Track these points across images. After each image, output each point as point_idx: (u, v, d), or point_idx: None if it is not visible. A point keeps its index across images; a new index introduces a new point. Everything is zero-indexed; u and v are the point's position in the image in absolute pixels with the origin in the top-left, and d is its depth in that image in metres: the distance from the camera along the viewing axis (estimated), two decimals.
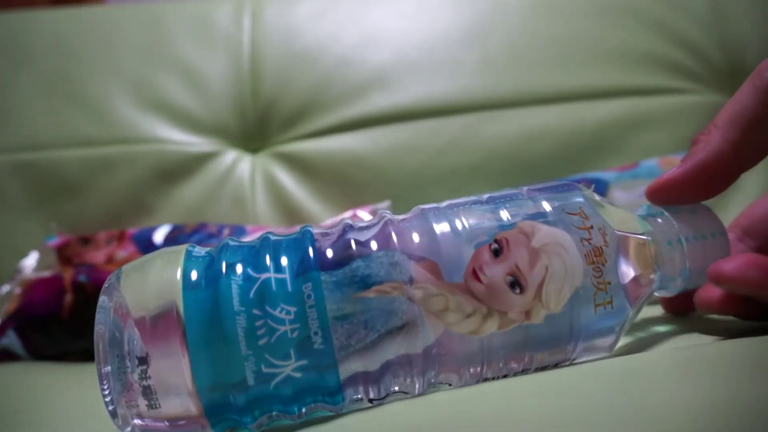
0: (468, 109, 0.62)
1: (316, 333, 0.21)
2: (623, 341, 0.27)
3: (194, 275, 0.22)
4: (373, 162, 0.61)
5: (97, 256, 0.54)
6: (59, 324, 0.50)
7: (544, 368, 0.24)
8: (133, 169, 0.61)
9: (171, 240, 0.55)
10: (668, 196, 0.26)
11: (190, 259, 0.22)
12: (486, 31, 0.64)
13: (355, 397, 0.22)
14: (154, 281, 0.22)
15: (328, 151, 0.62)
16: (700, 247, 0.25)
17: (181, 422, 0.21)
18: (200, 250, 0.24)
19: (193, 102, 0.64)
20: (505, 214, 0.23)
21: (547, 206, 0.24)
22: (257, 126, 0.64)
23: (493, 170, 0.59)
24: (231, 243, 0.23)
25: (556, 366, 0.24)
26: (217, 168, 0.62)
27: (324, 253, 0.22)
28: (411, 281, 0.22)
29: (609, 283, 0.23)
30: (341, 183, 0.61)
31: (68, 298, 0.51)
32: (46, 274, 0.53)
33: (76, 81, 0.65)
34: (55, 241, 0.56)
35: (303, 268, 0.22)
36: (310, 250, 0.22)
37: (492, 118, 0.61)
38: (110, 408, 0.21)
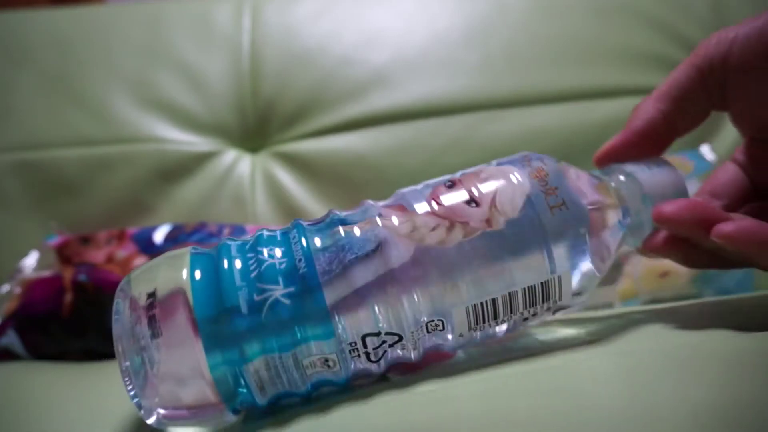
0: (468, 109, 0.62)
1: (299, 260, 0.23)
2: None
3: (199, 264, 0.24)
4: (373, 162, 0.61)
5: (97, 255, 0.54)
6: (59, 323, 0.50)
7: (533, 296, 0.25)
8: (133, 169, 0.61)
9: (171, 239, 0.55)
10: (611, 161, 0.30)
11: (194, 256, 0.25)
12: (486, 31, 0.64)
13: (349, 341, 0.23)
14: (162, 272, 0.24)
15: (328, 150, 0.62)
16: (656, 174, 0.28)
17: (200, 408, 0.23)
18: (202, 250, 0.25)
19: (193, 101, 0.64)
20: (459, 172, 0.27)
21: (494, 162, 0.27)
22: (257, 126, 0.64)
23: None
24: (228, 242, 0.25)
25: (545, 290, 0.25)
26: (217, 168, 0.62)
27: (307, 221, 0.26)
28: (380, 215, 0.25)
29: (556, 188, 0.25)
30: (341, 183, 0.61)
31: (68, 297, 0.51)
32: (46, 273, 0.53)
33: (76, 80, 0.65)
34: (55, 240, 0.56)
35: (290, 227, 0.25)
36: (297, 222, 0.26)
37: (492, 118, 0.61)
38: (135, 401, 0.23)
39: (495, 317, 0.25)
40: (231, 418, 0.24)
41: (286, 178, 0.62)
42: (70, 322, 0.50)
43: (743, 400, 0.17)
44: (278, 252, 0.24)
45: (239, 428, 0.25)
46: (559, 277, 0.25)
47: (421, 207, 0.25)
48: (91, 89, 0.64)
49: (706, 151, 0.55)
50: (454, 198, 0.25)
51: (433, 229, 0.24)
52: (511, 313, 0.25)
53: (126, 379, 0.23)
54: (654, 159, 0.29)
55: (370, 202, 0.27)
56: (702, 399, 0.17)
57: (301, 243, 0.24)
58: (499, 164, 0.27)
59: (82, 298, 0.51)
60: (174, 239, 0.55)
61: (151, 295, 0.23)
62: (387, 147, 0.61)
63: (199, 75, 0.65)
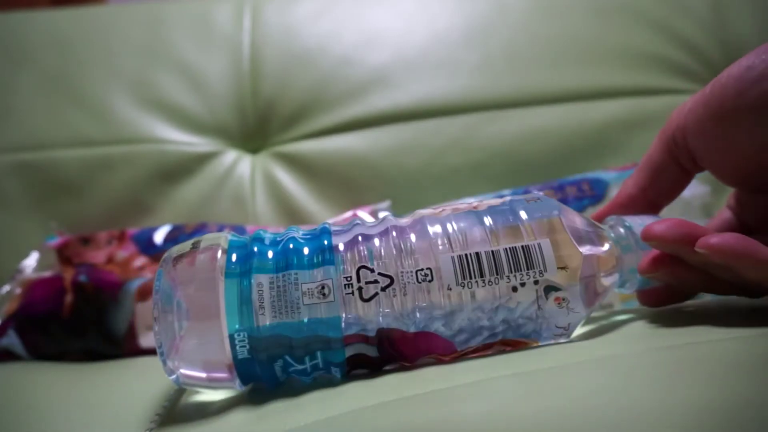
0: (468, 109, 0.62)
1: (318, 230, 0.28)
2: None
3: (237, 243, 0.28)
4: (373, 162, 0.61)
5: (97, 256, 0.54)
6: (59, 324, 0.50)
7: (516, 258, 0.26)
8: (133, 169, 0.61)
9: (171, 240, 0.55)
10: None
11: (231, 241, 0.28)
12: (486, 31, 0.64)
13: (345, 273, 0.26)
14: (203, 240, 0.27)
15: (328, 151, 0.62)
16: (646, 220, 0.29)
17: (215, 373, 0.26)
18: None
19: (193, 102, 0.64)
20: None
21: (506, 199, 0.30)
22: (257, 126, 0.64)
23: (493, 170, 0.59)
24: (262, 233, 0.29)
25: (526, 255, 0.26)
26: (217, 168, 0.62)
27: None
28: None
29: (538, 199, 0.29)
30: (341, 183, 0.61)
31: (68, 297, 0.51)
32: (46, 274, 0.53)
33: (76, 81, 0.65)
34: (55, 241, 0.56)
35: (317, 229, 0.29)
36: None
37: (492, 118, 0.61)
38: (162, 358, 0.26)
39: (481, 274, 0.26)
40: (240, 386, 0.27)
41: (286, 178, 0.62)
42: (70, 322, 0.50)
43: (740, 401, 0.17)
44: (303, 231, 0.29)
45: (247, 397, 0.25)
46: (539, 245, 0.27)
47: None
48: (91, 89, 0.64)
49: None
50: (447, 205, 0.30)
51: (429, 211, 0.29)
52: (497, 274, 0.26)
53: (158, 338, 0.26)
54: (649, 215, 0.31)
55: (390, 217, 0.30)
56: (700, 400, 0.17)
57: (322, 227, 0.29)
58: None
59: (82, 299, 0.51)
60: (174, 240, 0.55)
61: (196, 243, 0.27)
62: (387, 147, 0.61)
63: (199, 75, 0.65)
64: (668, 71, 0.61)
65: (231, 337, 0.25)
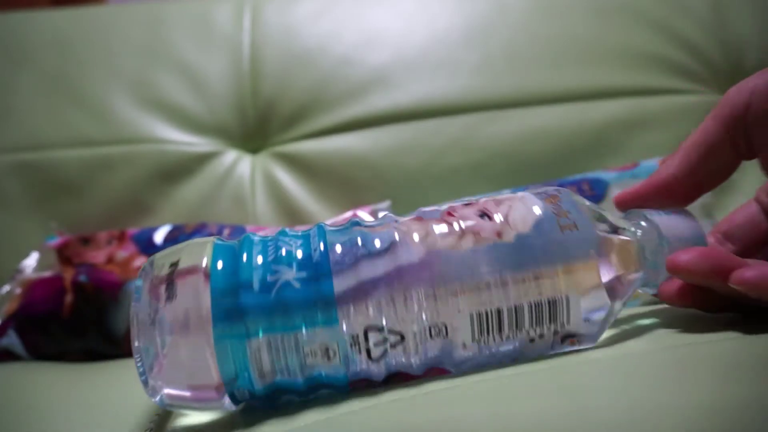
0: (468, 109, 0.62)
1: (315, 249, 0.25)
2: (610, 333, 0.27)
3: (222, 248, 0.26)
4: (373, 162, 0.61)
5: (97, 256, 0.54)
6: (59, 324, 0.50)
7: (539, 313, 0.25)
8: (133, 169, 0.61)
9: (171, 240, 0.55)
10: (630, 206, 0.30)
11: (218, 244, 0.26)
12: (486, 31, 0.64)
13: (351, 332, 0.23)
14: (186, 252, 0.25)
15: (328, 151, 0.62)
16: (673, 219, 0.27)
17: (201, 392, 0.23)
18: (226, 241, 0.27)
19: (193, 102, 0.64)
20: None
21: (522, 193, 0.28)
22: (257, 126, 0.64)
23: (493, 170, 0.59)
24: (252, 235, 0.27)
25: (552, 310, 0.25)
26: (217, 168, 0.62)
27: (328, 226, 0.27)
28: (397, 222, 0.26)
29: (568, 212, 0.26)
30: (341, 183, 0.61)
31: (68, 297, 0.51)
32: (46, 274, 0.53)
33: (76, 81, 0.65)
34: (55, 241, 0.56)
35: (312, 231, 0.26)
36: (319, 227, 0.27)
37: (492, 118, 0.61)
38: (142, 378, 0.24)
39: (500, 330, 0.24)
40: (230, 406, 0.24)
41: (286, 178, 0.62)
42: (70, 322, 0.50)
43: (742, 401, 0.17)
44: (297, 242, 0.25)
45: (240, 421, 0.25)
46: (567, 298, 0.25)
47: (437, 219, 0.26)
48: (91, 89, 0.64)
49: None
50: (467, 211, 0.26)
51: (445, 236, 0.25)
52: (517, 329, 0.25)
53: (137, 356, 0.23)
54: (674, 208, 0.29)
55: (391, 215, 0.28)
56: (701, 400, 0.17)
57: (318, 236, 0.25)
58: (513, 192, 0.28)
59: (82, 299, 0.51)
60: (174, 240, 0.55)
61: (174, 264, 0.24)
62: (387, 147, 0.61)
63: (199, 75, 0.65)
64: (668, 71, 0.61)
65: (227, 385, 0.24)
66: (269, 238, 0.26)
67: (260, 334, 0.23)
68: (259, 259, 0.24)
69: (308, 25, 0.66)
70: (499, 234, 0.25)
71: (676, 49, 0.62)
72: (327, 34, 0.66)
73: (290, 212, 0.61)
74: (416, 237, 0.25)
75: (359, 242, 0.25)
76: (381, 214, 0.31)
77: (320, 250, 0.25)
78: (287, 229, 0.27)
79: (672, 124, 0.59)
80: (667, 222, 0.27)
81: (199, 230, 0.55)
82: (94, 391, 0.35)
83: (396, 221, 0.26)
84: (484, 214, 0.26)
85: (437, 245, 0.25)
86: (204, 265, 0.24)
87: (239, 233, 0.55)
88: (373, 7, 0.67)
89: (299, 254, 0.24)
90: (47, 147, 0.62)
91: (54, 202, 0.61)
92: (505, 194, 0.28)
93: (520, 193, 0.27)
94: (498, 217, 0.25)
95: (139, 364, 0.24)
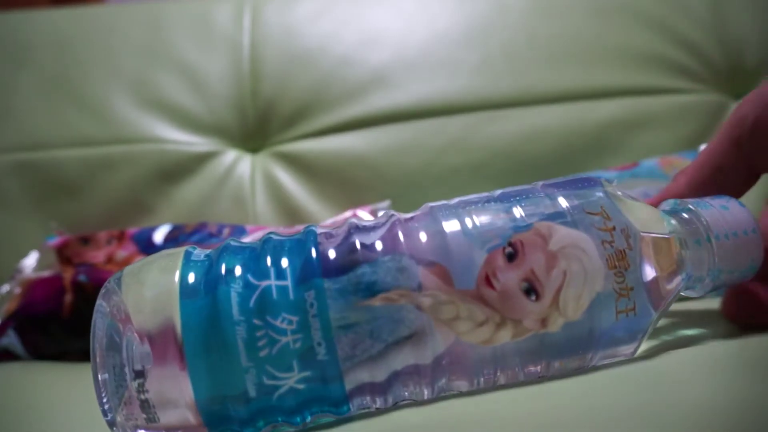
0: (468, 109, 0.62)
1: (319, 344, 0.20)
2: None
3: (192, 279, 0.21)
4: (373, 162, 0.61)
5: (97, 255, 0.54)
6: (59, 324, 0.50)
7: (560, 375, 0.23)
8: (133, 169, 0.61)
9: (171, 240, 0.55)
10: None
11: (188, 264, 0.22)
12: (486, 31, 0.64)
13: (361, 405, 0.22)
14: (151, 287, 0.21)
15: (328, 151, 0.62)
16: (731, 245, 0.23)
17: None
18: (200, 253, 0.23)
19: (193, 102, 0.64)
20: (519, 213, 0.22)
21: (565, 204, 0.22)
22: (257, 126, 0.64)
23: (493, 170, 0.59)
24: (232, 244, 0.23)
25: (573, 373, 0.23)
26: (217, 168, 0.62)
27: (327, 257, 0.21)
28: (419, 288, 0.21)
29: (632, 288, 0.21)
30: (341, 183, 0.61)
31: (68, 297, 0.51)
32: (46, 273, 0.53)
33: (76, 81, 0.65)
34: (55, 240, 0.56)
35: (305, 274, 0.21)
36: (313, 253, 0.21)
37: (492, 118, 0.61)
38: (108, 417, 0.21)
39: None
40: None
41: (286, 178, 0.62)
42: (70, 322, 0.50)
43: (746, 402, 0.17)
44: (292, 322, 0.20)
45: None
46: (592, 360, 0.23)
47: (470, 275, 0.21)
48: (91, 89, 0.64)
49: None
50: (513, 280, 0.21)
51: (481, 324, 0.21)
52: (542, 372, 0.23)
53: (101, 392, 0.20)
54: (719, 196, 0.25)
55: (398, 220, 0.23)
56: (706, 400, 0.17)
57: (320, 318, 0.20)
58: (572, 210, 0.22)
59: (82, 299, 0.51)
60: (174, 239, 0.55)
61: (140, 374, 0.20)
62: (387, 147, 0.61)
63: (199, 75, 0.65)
64: (668, 71, 0.61)
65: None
66: (253, 301, 0.20)
67: (263, 426, 0.21)
68: (248, 355, 0.20)
69: (308, 25, 0.66)
70: (543, 322, 0.21)
71: (676, 48, 0.62)
72: (327, 34, 0.66)
73: (290, 212, 0.61)
74: (445, 315, 0.21)
75: (373, 331, 0.20)
76: (380, 213, 0.27)
77: (326, 344, 0.20)
78: (273, 283, 0.21)
79: (672, 123, 0.59)
80: (716, 215, 0.24)
81: (198, 230, 0.55)
82: (93, 391, 0.35)
83: (419, 284, 0.21)
84: (532, 289, 0.21)
85: (468, 337, 0.21)
86: (177, 338, 0.20)
87: (239, 233, 0.55)
88: (373, 7, 0.67)
89: (298, 345, 0.20)
90: (47, 147, 0.62)
91: (54, 202, 0.61)
92: (561, 229, 0.22)
93: (576, 234, 0.22)
94: (548, 294, 0.21)
95: (104, 400, 0.21)
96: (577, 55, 0.63)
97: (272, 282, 0.21)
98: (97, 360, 0.20)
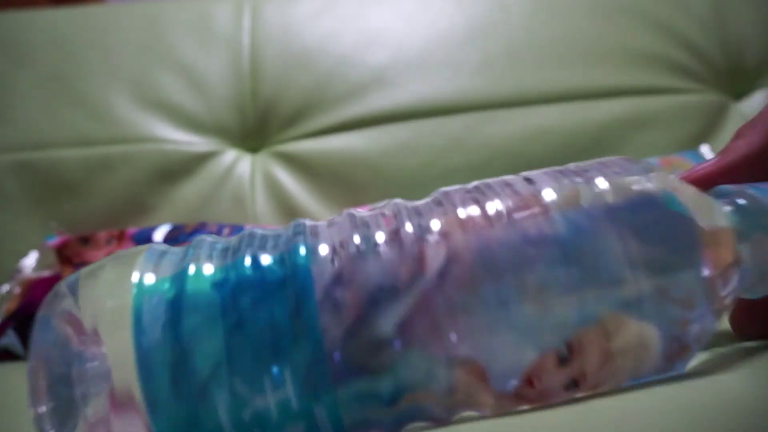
0: (468, 109, 0.61)
1: (318, 412, 0.17)
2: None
3: (151, 332, 0.17)
4: (373, 162, 0.61)
5: (97, 255, 0.54)
6: None
7: None
8: (133, 169, 0.61)
9: (171, 240, 0.55)
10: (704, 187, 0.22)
11: (142, 294, 0.17)
12: (487, 31, 0.64)
13: None
14: (107, 309, 0.17)
15: (328, 151, 0.62)
16: None
17: None
18: (153, 275, 0.18)
19: (192, 102, 0.64)
20: (592, 298, 0.18)
21: (648, 286, 0.18)
22: (257, 126, 0.64)
23: (493, 170, 0.59)
24: (198, 261, 0.19)
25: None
26: (217, 168, 0.62)
27: (337, 359, 0.17)
28: (450, 391, 0.17)
29: (695, 343, 0.19)
30: (341, 183, 0.61)
31: None
32: (46, 273, 0.53)
33: (75, 81, 0.65)
34: (54, 240, 0.56)
35: (312, 383, 0.17)
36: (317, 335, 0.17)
37: (492, 118, 0.61)
38: None
39: None
40: None
41: (286, 178, 0.62)
42: None
43: (748, 404, 0.17)
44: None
45: None
46: None
47: (512, 379, 0.18)
48: (91, 89, 0.64)
49: (706, 151, 0.55)
50: (558, 382, 0.18)
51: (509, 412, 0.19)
52: None
53: (46, 426, 0.17)
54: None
55: (432, 328, 0.18)
56: (709, 401, 0.17)
57: (331, 424, 0.17)
58: (654, 295, 0.18)
59: None
60: (174, 239, 0.55)
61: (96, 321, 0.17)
62: (387, 147, 0.61)
63: (199, 75, 0.65)
64: (669, 71, 0.61)
65: None
66: (247, 417, 0.17)
67: None
68: (225, 411, 0.17)
69: (308, 25, 0.66)
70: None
71: (677, 48, 0.62)
72: (327, 34, 0.66)
73: (290, 212, 0.61)
74: (475, 411, 0.18)
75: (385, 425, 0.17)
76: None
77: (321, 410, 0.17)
78: (271, 406, 0.17)
79: (672, 123, 0.59)
80: None
81: (198, 230, 0.55)
82: None
83: (446, 360, 0.17)
84: (574, 383, 0.18)
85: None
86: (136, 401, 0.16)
87: (239, 233, 0.54)
88: (373, 7, 0.67)
89: (293, 401, 0.17)
90: (47, 147, 0.62)
91: (54, 202, 0.61)
92: (634, 329, 0.18)
93: (646, 329, 0.18)
94: (588, 385, 0.18)
95: None
96: (577, 55, 0.63)
97: (269, 397, 0.17)
98: (38, 384, 0.17)
